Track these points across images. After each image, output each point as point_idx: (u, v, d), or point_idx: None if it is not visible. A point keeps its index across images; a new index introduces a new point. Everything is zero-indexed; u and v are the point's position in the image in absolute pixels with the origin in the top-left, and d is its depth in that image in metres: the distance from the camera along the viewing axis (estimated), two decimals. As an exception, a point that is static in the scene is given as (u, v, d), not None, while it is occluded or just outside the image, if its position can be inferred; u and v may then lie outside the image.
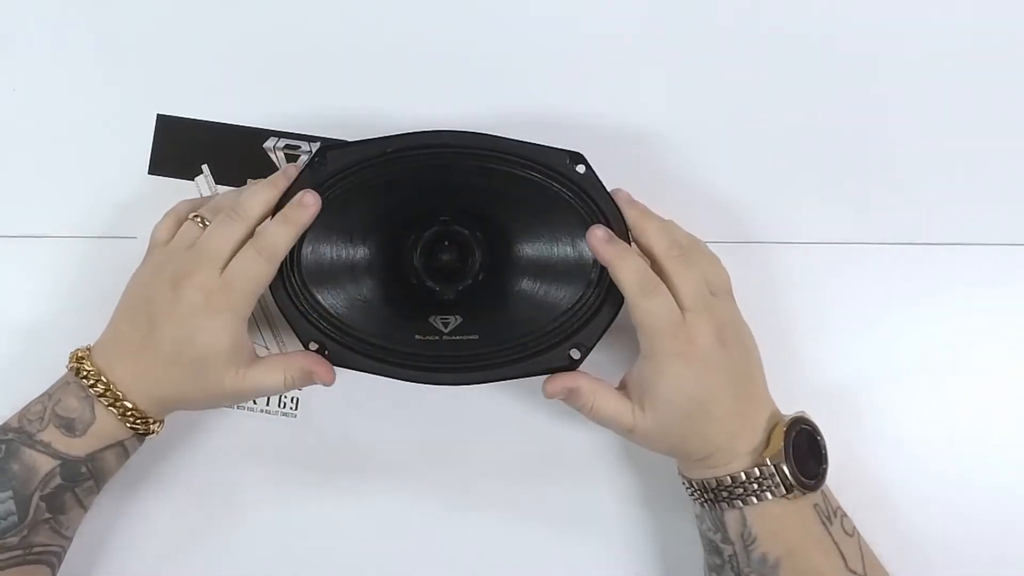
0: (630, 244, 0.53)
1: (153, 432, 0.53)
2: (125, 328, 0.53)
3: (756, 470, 0.50)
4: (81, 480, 0.52)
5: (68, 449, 0.51)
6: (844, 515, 0.52)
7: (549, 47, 0.62)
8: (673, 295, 0.50)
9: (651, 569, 0.60)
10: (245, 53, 0.63)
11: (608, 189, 0.53)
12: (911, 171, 0.62)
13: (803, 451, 0.51)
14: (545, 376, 0.52)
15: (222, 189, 0.62)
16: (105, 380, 0.51)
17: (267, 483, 0.61)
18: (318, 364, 0.52)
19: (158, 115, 0.62)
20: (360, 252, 0.55)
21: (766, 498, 0.49)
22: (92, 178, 0.62)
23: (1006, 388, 0.61)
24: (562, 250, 0.54)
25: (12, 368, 0.61)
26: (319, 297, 0.53)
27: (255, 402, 0.61)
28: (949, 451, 0.60)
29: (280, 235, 0.51)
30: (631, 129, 0.62)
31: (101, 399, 0.51)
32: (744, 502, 0.50)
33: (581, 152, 0.53)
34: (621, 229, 0.53)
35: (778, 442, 0.50)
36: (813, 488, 0.50)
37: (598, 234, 0.50)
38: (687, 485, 0.54)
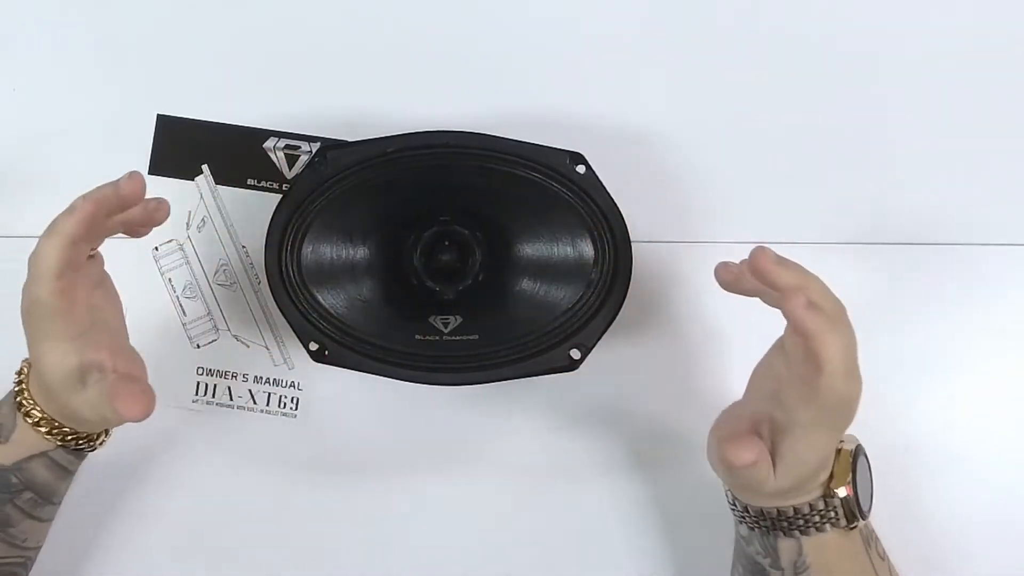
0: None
1: (92, 447, 0.52)
2: None
3: (822, 502, 0.47)
4: (16, 491, 0.50)
5: None
6: (877, 539, 0.51)
7: (549, 47, 0.62)
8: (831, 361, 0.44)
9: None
10: (245, 53, 0.63)
11: (612, 195, 0.53)
12: (911, 171, 0.62)
13: (862, 480, 0.49)
14: (725, 442, 0.46)
15: (222, 189, 0.62)
16: (29, 391, 0.50)
17: (267, 483, 0.61)
18: (123, 395, 0.45)
19: (158, 115, 0.62)
20: (360, 252, 0.55)
21: (826, 529, 0.48)
22: (92, 178, 0.62)
23: (1007, 388, 0.61)
24: (562, 250, 0.54)
25: (12, 368, 0.61)
26: (319, 297, 0.53)
27: (255, 402, 0.61)
28: (951, 451, 0.60)
29: (66, 214, 0.47)
30: (631, 129, 0.62)
31: (19, 407, 0.50)
32: (803, 532, 0.48)
33: (581, 152, 0.53)
34: (622, 231, 0.53)
35: (845, 473, 0.48)
36: (867, 515, 0.49)
37: (800, 302, 0.43)
38: (740, 510, 0.50)
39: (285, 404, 0.61)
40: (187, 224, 0.62)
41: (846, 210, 0.61)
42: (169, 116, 0.62)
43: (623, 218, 0.53)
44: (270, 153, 0.62)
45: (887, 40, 0.62)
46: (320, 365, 0.53)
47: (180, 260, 0.62)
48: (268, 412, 0.61)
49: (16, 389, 0.51)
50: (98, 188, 0.47)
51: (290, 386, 0.61)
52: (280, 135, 0.62)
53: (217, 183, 0.62)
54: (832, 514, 0.48)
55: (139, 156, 0.62)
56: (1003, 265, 0.61)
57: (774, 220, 0.61)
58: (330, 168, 0.53)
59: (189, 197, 0.62)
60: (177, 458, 0.61)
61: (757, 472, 0.46)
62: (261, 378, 0.62)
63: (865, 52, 0.62)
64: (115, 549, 0.60)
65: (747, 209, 0.61)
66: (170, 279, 0.62)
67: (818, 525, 0.48)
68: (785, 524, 0.48)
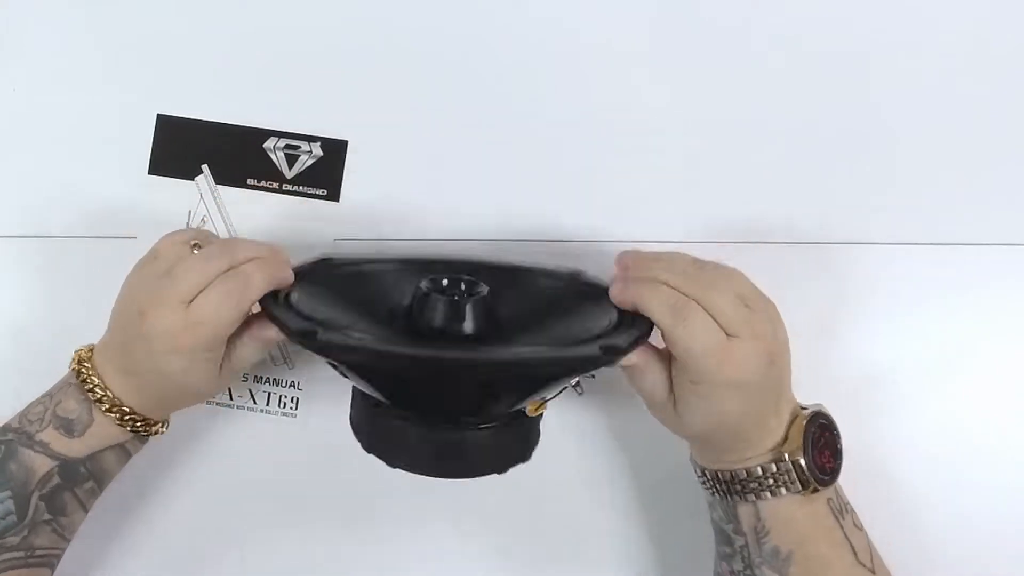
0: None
1: (156, 433, 0.53)
2: (114, 336, 0.52)
3: (773, 465, 0.49)
4: (81, 480, 0.52)
5: (66, 450, 0.51)
6: (853, 511, 0.52)
7: (550, 47, 0.62)
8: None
9: None
10: (245, 53, 0.63)
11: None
12: (911, 171, 0.61)
13: (820, 446, 0.50)
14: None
15: (222, 189, 0.62)
16: (102, 385, 0.51)
17: (266, 483, 0.61)
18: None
19: (158, 115, 0.62)
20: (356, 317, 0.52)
21: (780, 493, 0.49)
22: (92, 178, 0.62)
23: (1009, 387, 0.60)
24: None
25: (11, 368, 0.61)
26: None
27: (255, 402, 0.61)
28: (954, 450, 0.60)
29: (255, 276, 0.48)
30: (633, 129, 0.62)
31: (98, 404, 0.51)
32: (758, 496, 0.49)
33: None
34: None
35: (797, 437, 0.49)
36: (828, 484, 0.50)
37: (613, 292, 0.49)
38: (700, 474, 0.53)
39: (285, 404, 0.61)
40: (187, 224, 0.62)
41: (847, 210, 0.61)
42: (169, 116, 0.62)
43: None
44: (270, 153, 0.62)
45: (887, 41, 0.62)
46: (321, 364, 0.53)
47: (180, 260, 0.62)
48: (268, 412, 0.61)
49: (80, 379, 0.51)
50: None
51: (290, 386, 0.61)
52: (280, 135, 0.62)
53: (217, 183, 0.62)
54: (785, 478, 0.48)
55: (139, 156, 0.62)
56: (1003, 265, 0.61)
57: (775, 221, 0.61)
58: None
59: (189, 197, 0.62)
60: (177, 458, 0.61)
61: (643, 380, 0.49)
62: (261, 378, 0.62)
63: (865, 52, 0.62)
64: (114, 549, 0.60)
65: (748, 209, 0.61)
66: (170, 279, 0.62)
67: (772, 489, 0.49)
68: (739, 487, 0.49)
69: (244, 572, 0.61)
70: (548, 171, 0.61)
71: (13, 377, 0.60)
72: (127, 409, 0.51)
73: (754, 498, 0.49)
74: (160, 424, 0.53)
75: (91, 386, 0.51)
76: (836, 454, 0.51)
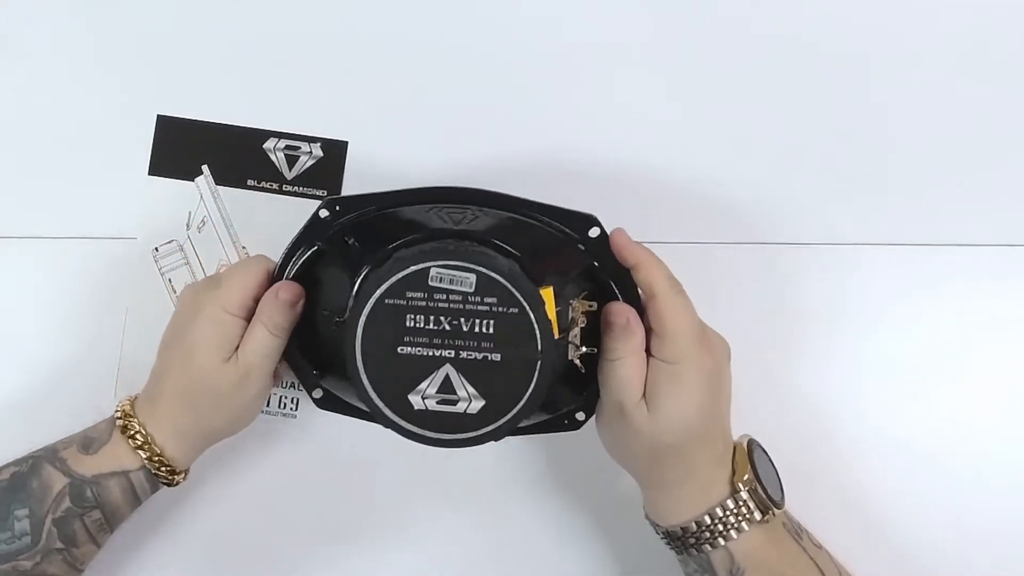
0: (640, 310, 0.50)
1: (171, 482, 0.53)
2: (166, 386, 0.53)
3: (730, 501, 0.48)
4: (88, 507, 0.51)
5: (78, 467, 0.51)
6: (807, 531, 0.52)
7: (550, 47, 0.62)
8: (663, 347, 0.48)
9: None
10: (245, 54, 0.63)
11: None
12: (912, 171, 0.61)
13: (764, 470, 0.50)
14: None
15: (222, 190, 0.62)
16: (136, 420, 0.52)
17: (266, 483, 0.61)
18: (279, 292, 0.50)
19: (158, 115, 0.62)
20: None
21: (744, 529, 0.48)
22: (92, 179, 0.62)
23: (1010, 387, 0.60)
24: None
25: (13, 369, 0.61)
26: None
27: (255, 402, 0.61)
28: (952, 451, 0.60)
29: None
30: (632, 130, 0.62)
31: (123, 431, 0.52)
32: (726, 538, 0.48)
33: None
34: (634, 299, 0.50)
35: (744, 465, 0.49)
36: (781, 504, 0.50)
37: (621, 239, 0.49)
38: (663, 535, 0.52)
39: (285, 404, 0.61)
40: (187, 225, 0.62)
41: (847, 210, 0.61)
42: (169, 116, 0.62)
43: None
44: (270, 153, 0.62)
45: (887, 41, 0.62)
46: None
47: (180, 261, 0.62)
48: (268, 412, 0.61)
49: (120, 423, 0.52)
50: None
51: (290, 386, 0.61)
52: (280, 135, 0.62)
53: (217, 183, 0.62)
54: (745, 510, 0.48)
55: (139, 156, 0.62)
56: (1003, 265, 0.61)
57: (775, 221, 0.61)
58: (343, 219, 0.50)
59: (189, 197, 0.62)
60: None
61: (625, 370, 0.48)
62: (261, 378, 0.62)
63: (865, 53, 0.62)
64: (114, 549, 0.60)
65: (748, 209, 0.61)
66: (170, 280, 0.62)
67: (736, 527, 0.48)
68: (707, 535, 0.49)
69: (244, 571, 0.61)
70: (550, 172, 0.61)
71: (13, 378, 0.60)
72: (145, 437, 0.52)
73: (723, 541, 0.48)
74: (181, 474, 0.54)
75: (125, 424, 0.52)
76: (777, 475, 0.51)
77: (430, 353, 0.46)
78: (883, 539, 0.53)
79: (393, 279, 0.45)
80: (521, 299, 0.45)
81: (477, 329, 0.45)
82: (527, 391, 0.46)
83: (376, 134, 0.61)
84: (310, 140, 0.62)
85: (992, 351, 0.61)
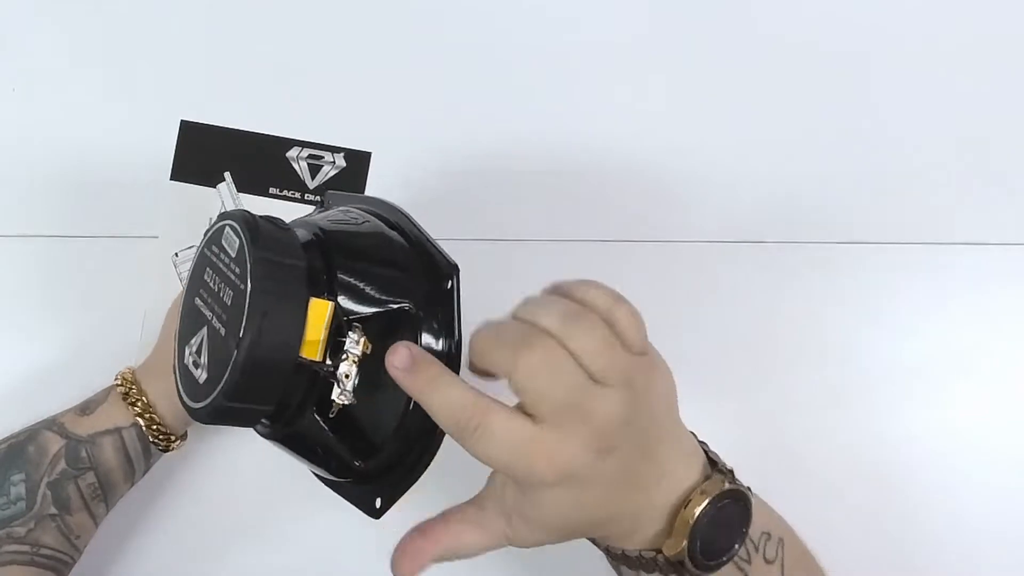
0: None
1: (166, 447, 0.54)
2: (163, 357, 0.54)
3: (653, 552, 0.40)
4: (83, 468, 0.52)
5: (74, 427, 0.52)
6: (767, 540, 0.43)
7: (551, 47, 0.62)
8: (523, 406, 0.36)
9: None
10: (271, 62, 0.63)
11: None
12: (912, 171, 0.61)
13: (718, 527, 0.39)
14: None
15: (244, 197, 0.62)
16: (137, 386, 0.53)
17: (267, 483, 0.61)
18: None
19: (182, 121, 0.62)
20: None
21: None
22: (114, 182, 0.62)
23: (1010, 387, 0.60)
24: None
25: (23, 366, 0.61)
26: None
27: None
28: (952, 451, 0.59)
29: None
30: (632, 131, 0.62)
31: (139, 418, 0.53)
32: (649, 572, 0.40)
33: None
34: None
35: (682, 535, 0.39)
36: (716, 568, 0.39)
37: (395, 361, 0.36)
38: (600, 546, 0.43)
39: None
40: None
41: (847, 210, 0.61)
42: (193, 122, 0.62)
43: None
44: (293, 162, 0.62)
45: (887, 41, 0.62)
46: None
47: (200, 266, 0.62)
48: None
49: (122, 390, 0.53)
50: None
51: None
52: (304, 144, 0.62)
53: (239, 191, 0.62)
54: (668, 568, 0.39)
55: (162, 161, 0.62)
56: (1003, 265, 0.60)
57: (775, 220, 0.61)
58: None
59: (210, 204, 0.62)
60: (178, 458, 0.60)
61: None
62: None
63: (865, 53, 0.62)
64: (114, 549, 0.60)
65: (748, 209, 0.61)
66: (189, 285, 0.62)
67: (654, 570, 0.40)
68: (635, 563, 0.41)
69: (244, 571, 0.60)
70: (560, 178, 0.61)
71: (26, 375, 0.60)
72: (146, 406, 0.53)
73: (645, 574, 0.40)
74: (177, 441, 0.55)
75: (126, 391, 0.53)
76: (740, 530, 0.40)
77: (203, 312, 0.40)
78: (883, 539, 0.52)
79: (213, 229, 0.41)
80: (248, 278, 0.37)
81: (223, 297, 0.39)
82: (219, 385, 0.37)
83: (400, 146, 0.62)
84: (333, 150, 0.62)
85: (992, 351, 0.60)
